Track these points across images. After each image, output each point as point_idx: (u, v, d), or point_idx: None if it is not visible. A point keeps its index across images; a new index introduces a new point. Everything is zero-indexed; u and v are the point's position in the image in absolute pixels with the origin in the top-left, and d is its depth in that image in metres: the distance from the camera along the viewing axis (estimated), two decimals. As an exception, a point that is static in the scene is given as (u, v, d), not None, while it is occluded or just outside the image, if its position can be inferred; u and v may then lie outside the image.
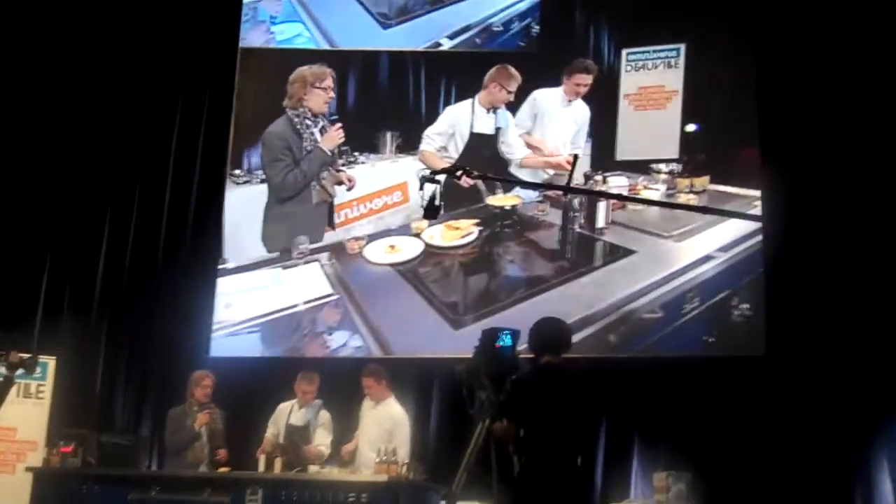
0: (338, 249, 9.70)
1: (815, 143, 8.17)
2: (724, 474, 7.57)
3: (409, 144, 9.79)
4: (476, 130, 9.56)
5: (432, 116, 9.79)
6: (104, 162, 10.31)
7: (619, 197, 9.24)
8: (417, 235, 9.56)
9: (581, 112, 9.38)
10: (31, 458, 8.41)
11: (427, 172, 4.46)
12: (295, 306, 9.54)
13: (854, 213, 7.87)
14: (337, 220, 9.81)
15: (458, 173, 4.37)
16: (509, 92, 9.50)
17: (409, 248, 9.55)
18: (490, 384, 5.18)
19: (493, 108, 9.55)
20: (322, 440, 7.74)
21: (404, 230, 9.63)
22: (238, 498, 6.88)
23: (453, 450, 5.75)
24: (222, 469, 7.64)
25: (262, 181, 10.00)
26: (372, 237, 9.68)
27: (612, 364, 8.19)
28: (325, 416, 7.91)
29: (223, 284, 9.73)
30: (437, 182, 4.40)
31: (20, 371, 7.16)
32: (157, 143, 10.30)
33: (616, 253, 8.88)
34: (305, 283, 9.61)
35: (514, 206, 9.38)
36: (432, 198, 4.45)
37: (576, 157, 4.19)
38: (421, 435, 8.63)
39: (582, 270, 8.93)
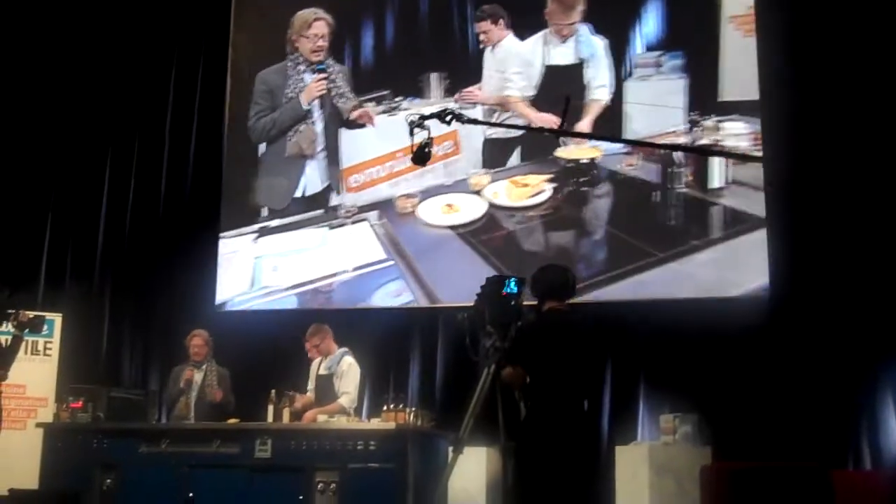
0: (387, 207, 8.95)
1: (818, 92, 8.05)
2: (730, 415, 7.60)
3: (459, 86, 9.00)
4: (551, 63, 8.72)
5: (476, 56, 8.98)
6: (101, 120, 10.27)
7: (637, 143, 8.63)
8: (478, 193, 8.70)
9: (511, 56, 8.80)
10: (41, 414, 8.52)
11: (416, 117, 4.38)
12: (343, 272, 8.98)
13: (859, 147, 7.78)
14: (381, 174, 9.09)
15: (448, 118, 4.29)
16: (572, 20, 8.65)
17: (469, 208, 8.59)
18: (495, 331, 5.19)
19: (570, 37, 8.67)
20: (345, 388, 7.67)
21: (461, 186, 8.75)
22: (248, 448, 6.94)
23: (460, 396, 5.77)
24: (231, 420, 7.70)
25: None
26: (425, 194, 8.86)
27: (616, 308, 8.19)
28: (346, 361, 7.75)
29: (266, 244, 9.33)
30: (427, 128, 4.32)
31: (27, 330, 7.26)
32: (153, 100, 10.24)
33: (742, 222, 7.67)
34: (355, 246, 8.94)
35: (592, 160, 8.31)
36: (423, 144, 4.38)
37: (567, 99, 4.12)
38: (427, 382, 8.69)
39: (696, 244, 7.72)
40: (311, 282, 9.07)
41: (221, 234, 9.57)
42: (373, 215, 9.01)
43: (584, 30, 8.73)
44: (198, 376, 8.04)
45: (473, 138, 8.78)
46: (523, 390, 5.42)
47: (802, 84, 8.00)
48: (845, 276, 7.61)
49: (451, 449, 5.25)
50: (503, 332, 5.14)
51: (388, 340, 8.83)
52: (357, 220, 9.06)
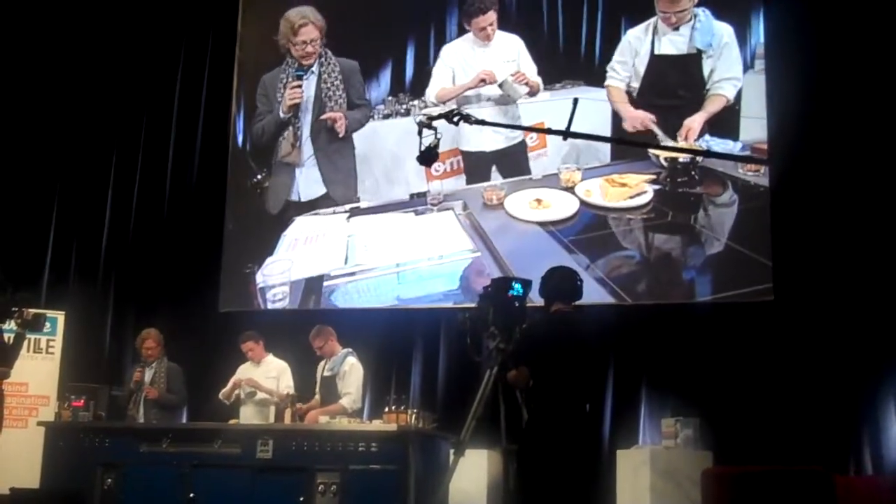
0: (472, 198, 8.73)
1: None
2: (732, 419, 7.60)
3: (548, 78, 8.66)
4: (660, 52, 8.30)
5: (573, 43, 8.63)
6: (107, 119, 10.28)
7: (630, 143, 8.45)
8: (570, 190, 8.35)
9: (507, 45, 8.75)
10: (42, 412, 8.51)
11: (424, 118, 4.37)
12: (429, 259, 8.79)
13: (861, 151, 7.76)
14: (461, 165, 8.88)
15: (456, 119, 4.28)
16: (682, 7, 8.17)
17: (560, 205, 8.20)
18: (499, 333, 5.18)
19: (683, 24, 8.18)
20: (346, 388, 7.69)
21: (550, 181, 8.46)
22: (249, 449, 6.93)
23: (462, 398, 5.77)
24: (232, 420, 7.73)
25: (385, 117, 9.24)
26: (512, 186, 8.60)
27: (619, 312, 8.19)
28: (349, 362, 7.77)
29: (358, 224, 9.15)
30: (434, 129, 4.31)
31: (28, 328, 7.28)
32: (159, 99, 10.24)
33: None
34: (440, 234, 8.70)
35: (692, 159, 7.84)
36: (431, 146, 4.35)
37: (575, 100, 4.10)
38: (429, 383, 8.69)
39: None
40: (400, 265, 8.95)
41: (316, 212, 9.41)
42: (458, 205, 8.82)
43: (705, 15, 8.27)
44: (148, 375, 8.00)
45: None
46: (526, 393, 5.42)
47: (806, 87, 8.00)
48: (848, 282, 7.60)
49: (452, 451, 5.26)
50: (507, 334, 5.14)
51: (390, 341, 8.84)
52: (442, 208, 8.88)
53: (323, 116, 9.39)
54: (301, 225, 9.45)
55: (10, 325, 7.29)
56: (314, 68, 9.53)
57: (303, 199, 9.45)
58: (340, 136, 9.33)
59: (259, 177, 9.68)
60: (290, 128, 9.52)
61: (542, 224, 8.44)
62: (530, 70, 8.84)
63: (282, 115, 9.53)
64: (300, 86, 9.48)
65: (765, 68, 8.15)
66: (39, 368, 8.72)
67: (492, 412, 5.21)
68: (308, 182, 9.45)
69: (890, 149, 7.66)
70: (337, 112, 9.35)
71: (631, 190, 8.17)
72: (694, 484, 6.65)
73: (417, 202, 9.02)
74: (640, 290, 8.15)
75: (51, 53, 10.28)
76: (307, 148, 9.47)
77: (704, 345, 7.86)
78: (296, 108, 9.50)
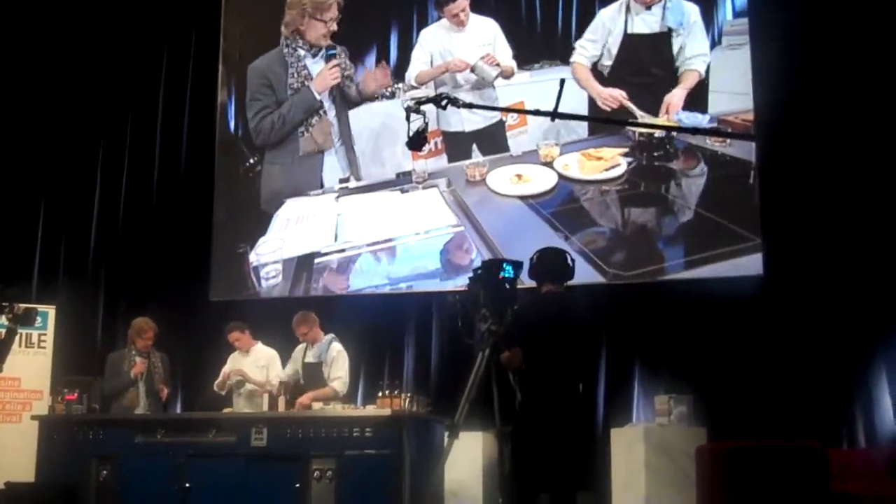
0: (456, 175, 8.90)
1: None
2: (725, 395, 7.62)
3: (526, 58, 8.77)
4: (633, 31, 8.42)
5: (549, 24, 8.72)
6: (93, 113, 10.23)
7: (619, 122, 8.51)
8: (549, 165, 8.56)
9: (482, 29, 8.81)
10: (36, 406, 8.50)
11: (412, 103, 4.35)
12: (415, 234, 8.89)
13: (851, 124, 7.75)
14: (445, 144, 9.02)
15: (444, 102, 4.26)
16: None
17: (539, 179, 8.48)
18: (491, 315, 5.19)
19: (655, 3, 8.33)
20: (336, 373, 7.73)
21: (530, 157, 8.65)
22: (244, 437, 6.94)
23: (455, 381, 5.77)
24: (226, 410, 7.73)
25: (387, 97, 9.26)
26: (494, 163, 8.80)
27: (611, 290, 8.20)
28: (335, 348, 7.82)
29: (346, 203, 9.20)
30: (422, 113, 4.29)
31: (20, 323, 7.24)
32: (144, 91, 10.18)
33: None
34: (425, 211, 8.86)
35: (667, 134, 8.11)
36: (419, 130, 4.34)
37: (562, 81, 4.09)
38: (422, 367, 8.70)
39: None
40: (387, 240, 9.01)
41: (308, 193, 9.40)
42: (442, 182, 8.95)
43: None
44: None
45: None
46: (519, 374, 5.43)
47: (795, 66, 7.98)
48: (840, 256, 7.60)
49: (446, 434, 5.27)
50: (499, 315, 5.15)
51: (382, 326, 8.84)
52: (427, 185, 8.99)
53: (369, 90, 9.25)
54: (291, 206, 9.44)
55: (1, 320, 7.26)
56: (335, 51, 9.40)
57: (326, 185, 9.35)
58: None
59: (252, 161, 9.60)
60: (322, 111, 9.36)
61: (522, 198, 8.60)
62: (506, 53, 8.88)
63: (317, 96, 9.34)
64: (339, 65, 9.31)
65: (748, 40, 8.19)
66: (32, 363, 8.69)
67: (485, 394, 5.22)
68: (334, 167, 9.36)
69: (875, 119, 7.67)
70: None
71: (606, 163, 8.38)
72: (689, 460, 6.67)
73: (403, 181, 9.08)
74: (615, 260, 8.27)
75: (35, 48, 10.21)
76: (335, 132, 9.39)
77: (696, 322, 7.87)
78: (334, 90, 9.32)
